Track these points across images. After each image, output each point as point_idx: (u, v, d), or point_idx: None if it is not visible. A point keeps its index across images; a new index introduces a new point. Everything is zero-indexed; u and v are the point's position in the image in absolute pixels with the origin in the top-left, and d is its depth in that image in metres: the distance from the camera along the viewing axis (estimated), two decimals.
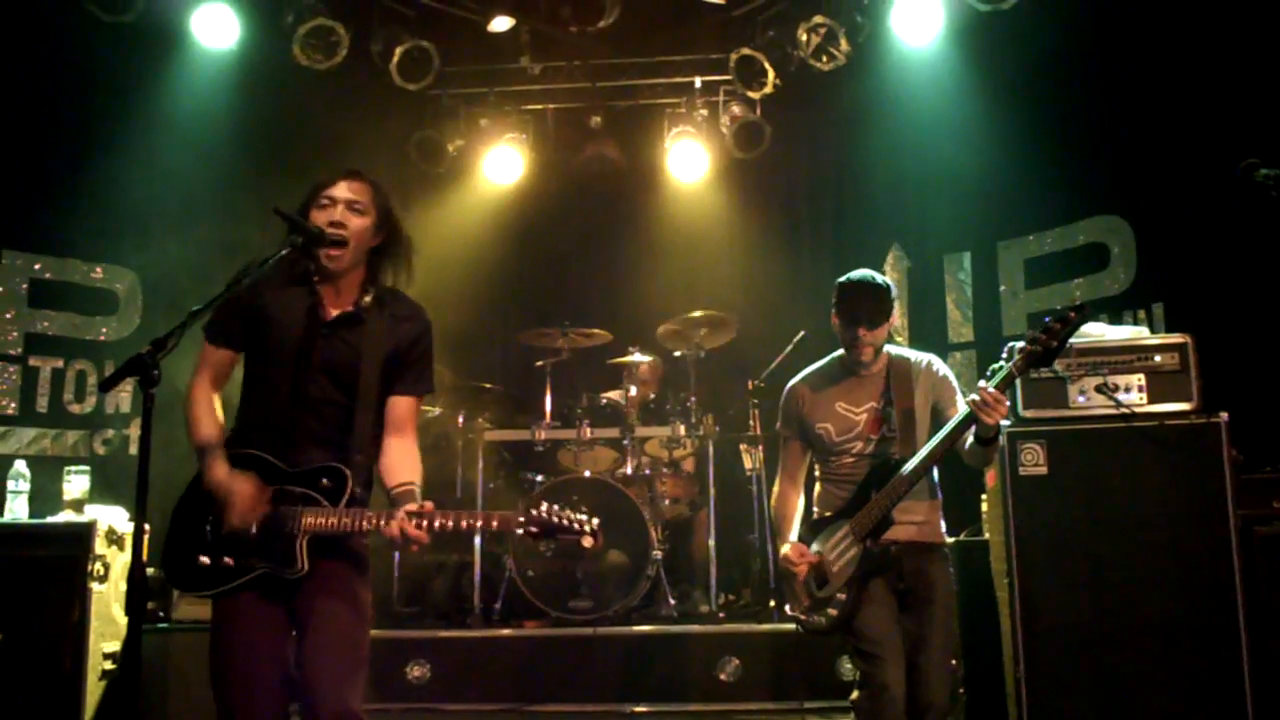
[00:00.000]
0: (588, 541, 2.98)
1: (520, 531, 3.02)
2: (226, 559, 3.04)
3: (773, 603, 5.88)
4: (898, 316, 3.91)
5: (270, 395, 3.17)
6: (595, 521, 3.00)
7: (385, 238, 3.29)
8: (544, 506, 3.02)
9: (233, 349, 3.25)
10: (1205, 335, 4.54)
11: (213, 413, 3.19)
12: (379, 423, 3.22)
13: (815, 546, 3.90)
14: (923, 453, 3.74)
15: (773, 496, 4.18)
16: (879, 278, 3.92)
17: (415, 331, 3.29)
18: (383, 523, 3.01)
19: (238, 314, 3.19)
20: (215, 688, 3.08)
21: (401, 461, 3.19)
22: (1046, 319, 3.59)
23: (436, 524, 2.98)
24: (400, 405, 3.25)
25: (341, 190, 3.22)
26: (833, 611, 3.83)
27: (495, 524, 3.07)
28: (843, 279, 3.96)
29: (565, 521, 3.00)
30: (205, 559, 3.04)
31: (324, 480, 3.08)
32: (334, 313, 3.21)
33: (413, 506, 3.02)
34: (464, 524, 3.04)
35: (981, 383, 3.61)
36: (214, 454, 3.09)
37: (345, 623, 3.12)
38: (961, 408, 3.76)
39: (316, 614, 3.09)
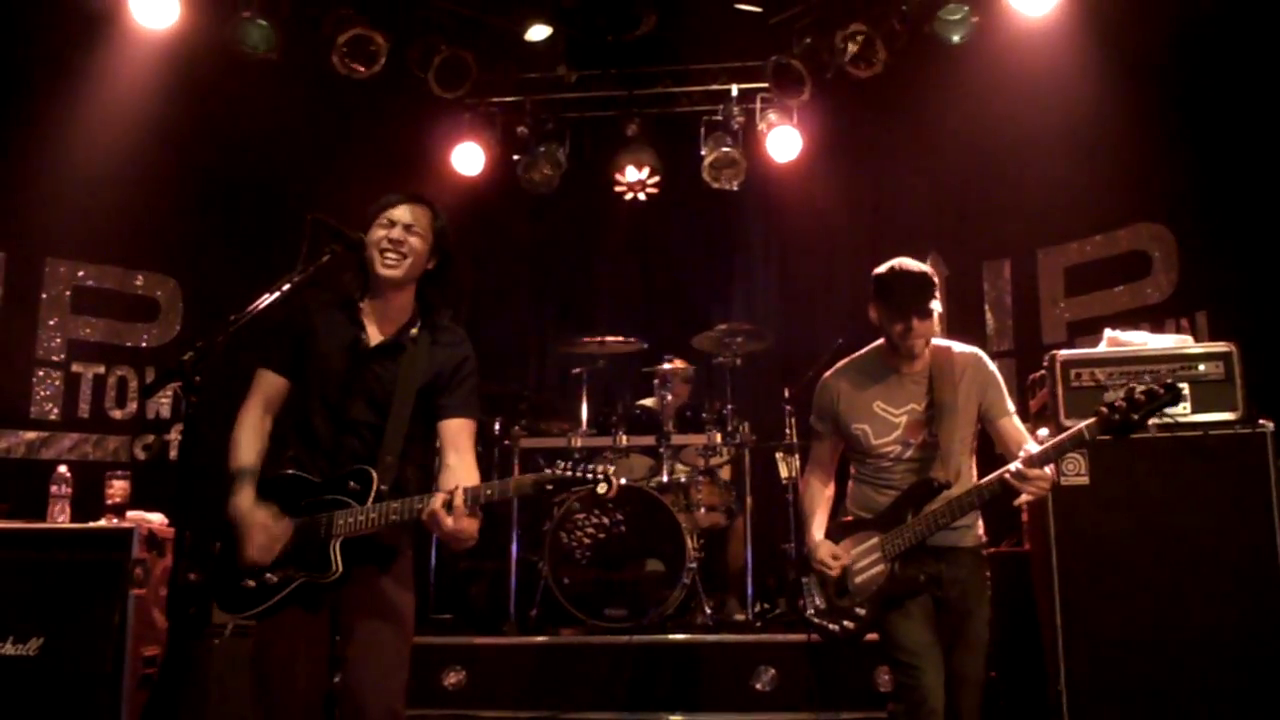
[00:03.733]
0: (602, 489, 2.98)
1: (540, 495, 3.06)
2: (269, 576, 3.13)
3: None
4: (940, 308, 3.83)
5: (313, 418, 3.30)
6: (611, 469, 3.01)
7: (438, 264, 3.41)
8: (559, 465, 3.04)
9: (286, 376, 3.37)
10: (1250, 344, 4.47)
11: (256, 439, 3.31)
12: (413, 437, 3.30)
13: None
14: (961, 494, 3.64)
15: (802, 486, 4.05)
16: (920, 264, 3.79)
17: (456, 358, 3.38)
18: (417, 506, 3.05)
19: (290, 342, 3.34)
20: (255, 704, 3.19)
21: (454, 476, 3.23)
22: (1134, 388, 3.45)
23: (456, 501, 3.00)
24: (449, 427, 3.33)
25: (402, 213, 3.35)
26: (849, 624, 3.74)
27: (513, 491, 3.12)
28: (882, 270, 3.80)
29: (580, 474, 3.00)
30: (251, 582, 3.14)
31: (351, 484, 3.17)
32: (376, 341, 3.33)
33: (442, 495, 3.03)
34: (484, 496, 3.05)
35: (1018, 464, 3.50)
36: (243, 482, 3.21)
37: (388, 627, 3.21)
38: (1012, 411, 3.76)
39: (359, 619, 3.19)
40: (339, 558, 3.09)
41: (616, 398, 6.95)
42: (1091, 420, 3.44)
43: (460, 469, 3.25)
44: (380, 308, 3.37)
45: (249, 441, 3.29)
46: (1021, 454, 3.54)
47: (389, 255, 3.28)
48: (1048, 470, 3.51)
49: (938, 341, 3.85)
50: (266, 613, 3.13)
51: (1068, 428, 4.33)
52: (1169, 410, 4.26)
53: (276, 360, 3.36)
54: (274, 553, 3.12)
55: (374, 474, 3.16)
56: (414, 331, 3.35)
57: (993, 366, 3.87)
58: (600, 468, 3.00)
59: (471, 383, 3.39)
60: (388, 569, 3.26)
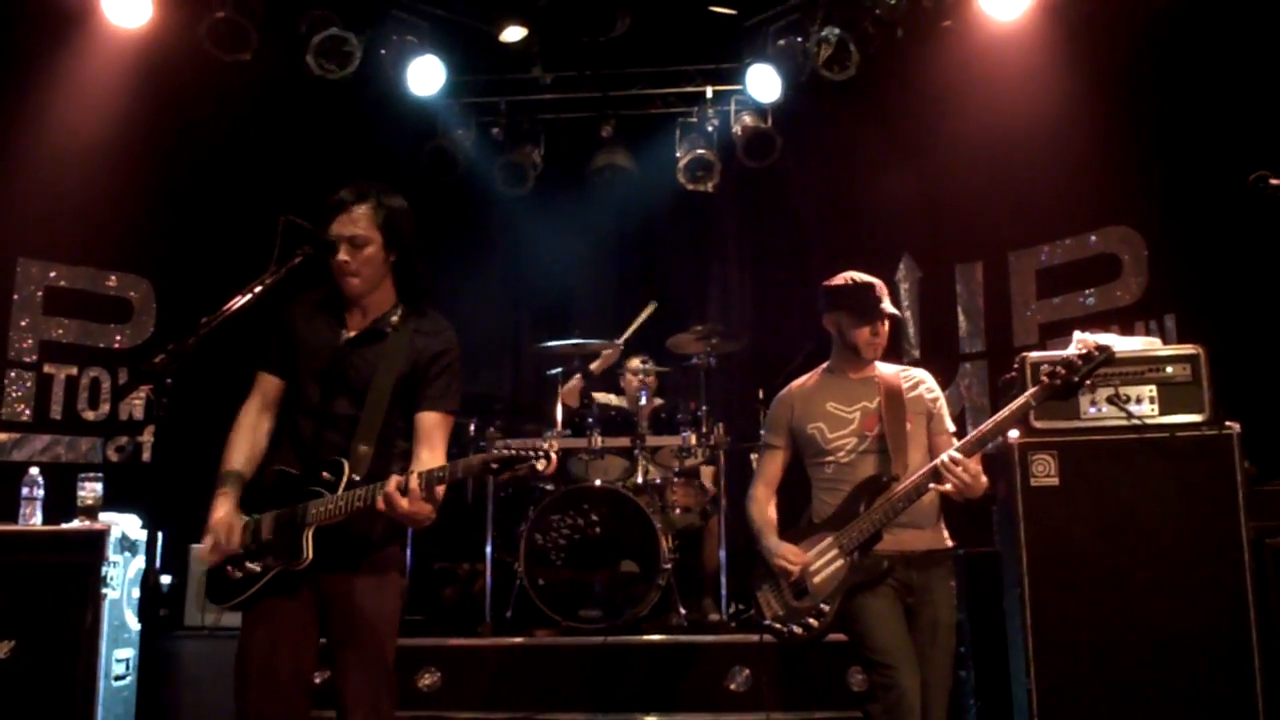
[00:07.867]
0: (541, 465, 2.98)
1: (488, 474, 3.13)
2: (251, 565, 3.19)
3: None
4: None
5: (299, 414, 3.33)
6: (552, 446, 3.02)
7: (399, 253, 3.35)
8: (502, 445, 3.05)
9: (280, 375, 3.40)
10: (1217, 346, 4.50)
11: (247, 442, 3.35)
12: (394, 427, 3.30)
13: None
14: (908, 484, 3.74)
15: (750, 501, 4.12)
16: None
17: (436, 348, 3.34)
18: (374, 496, 3.07)
19: (278, 340, 3.37)
20: (235, 691, 3.19)
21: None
22: (1069, 354, 3.65)
23: (410, 484, 3.02)
24: (424, 420, 3.31)
25: (343, 225, 3.28)
26: (814, 622, 3.78)
27: (461, 473, 3.08)
28: (839, 281, 4.04)
29: (520, 450, 3.01)
30: (236, 572, 3.21)
31: (324, 474, 3.20)
32: (354, 332, 3.34)
33: (395, 479, 3.04)
34: (437, 478, 3.05)
35: (950, 453, 3.64)
36: (224, 486, 3.26)
37: (365, 625, 3.23)
38: (952, 431, 3.92)
39: (340, 620, 3.23)
40: (309, 545, 3.12)
41: (591, 400, 6.96)
42: (1035, 389, 3.66)
43: (429, 465, 3.22)
44: (358, 306, 3.37)
45: (239, 444, 3.33)
46: (956, 445, 3.70)
47: (345, 279, 3.28)
48: (980, 476, 3.65)
49: (884, 365, 4.07)
50: (247, 602, 3.18)
51: (1037, 430, 4.42)
52: (1136, 412, 4.36)
53: (269, 360, 3.40)
54: (225, 554, 3.18)
55: (345, 464, 3.18)
56: (394, 319, 3.34)
57: (937, 390, 4.06)
58: (543, 445, 3.01)
59: (450, 374, 3.35)
60: (367, 562, 3.27)
